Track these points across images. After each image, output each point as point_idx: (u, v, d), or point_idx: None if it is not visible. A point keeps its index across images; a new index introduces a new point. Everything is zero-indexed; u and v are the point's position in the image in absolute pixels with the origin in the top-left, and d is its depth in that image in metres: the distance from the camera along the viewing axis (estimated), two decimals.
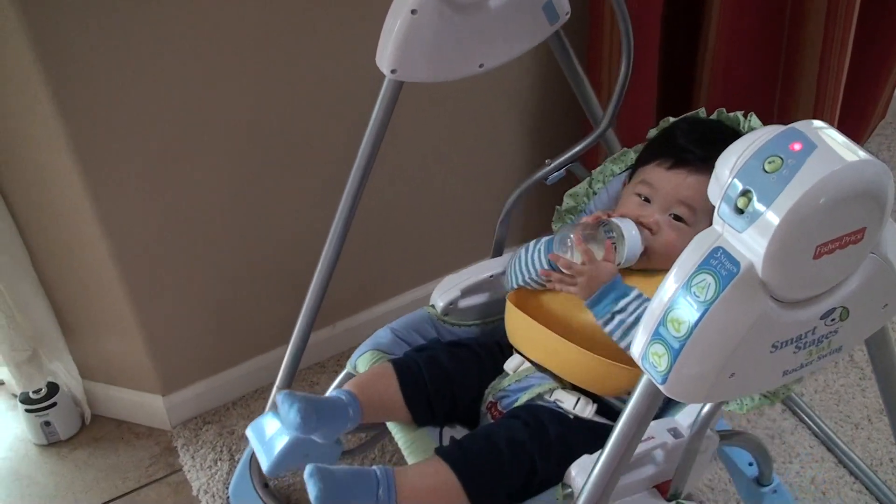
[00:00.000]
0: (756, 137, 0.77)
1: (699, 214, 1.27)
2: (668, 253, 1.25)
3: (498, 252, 1.52)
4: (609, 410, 1.24)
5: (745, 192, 0.74)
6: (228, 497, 1.63)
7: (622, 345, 1.15)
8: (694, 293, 0.77)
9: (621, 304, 1.15)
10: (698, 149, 1.28)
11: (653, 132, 1.40)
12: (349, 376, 1.39)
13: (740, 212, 0.74)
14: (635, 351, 0.83)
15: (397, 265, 1.87)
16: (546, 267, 1.28)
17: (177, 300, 1.63)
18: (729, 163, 0.78)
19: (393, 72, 1.20)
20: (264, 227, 1.66)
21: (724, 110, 1.33)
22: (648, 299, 1.16)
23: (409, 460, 1.24)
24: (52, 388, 1.71)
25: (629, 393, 1.21)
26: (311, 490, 1.05)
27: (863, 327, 0.84)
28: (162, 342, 1.66)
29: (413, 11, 1.15)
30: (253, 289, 1.71)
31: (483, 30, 1.22)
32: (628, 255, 1.22)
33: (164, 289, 1.60)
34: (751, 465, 1.47)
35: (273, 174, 1.60)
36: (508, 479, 1.13)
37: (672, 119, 1.37)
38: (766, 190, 0.72)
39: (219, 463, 1.70)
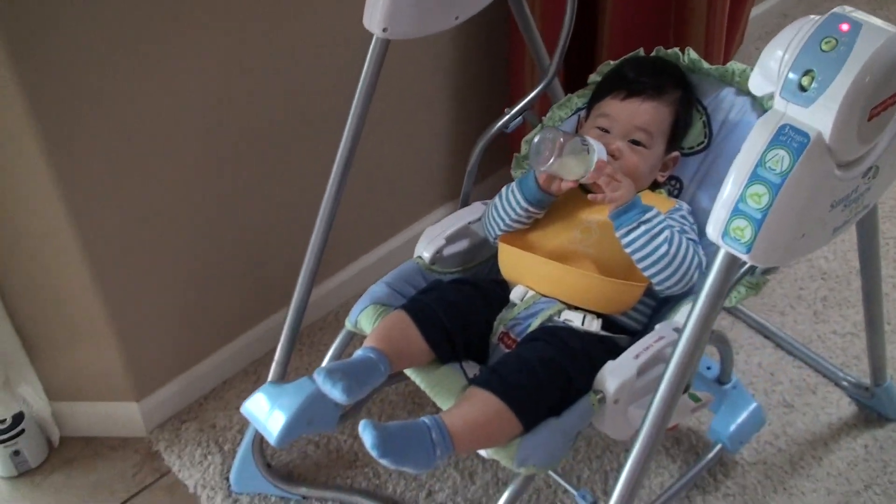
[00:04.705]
0: (797, 29, 0.90)
1: (655, 137, 1.40)
2: (633, 175, 1.37)
3: (465, 203, 1.59)
4: (611, 325, 1.35)
5: (807, 72, 0.87)
6: (230, 486, 1.62)
7: (638, 255, 1.26)
8: (769, 167, 0.89)
9: (648, 215, 1.26)
10: (649, 79, 1.42)
11: (594, 77, 1.52)
12: (350, 334, 1.42)
13: (803, 90, 0.87)
14: (711, 232, 0.94)
15: (349, 230, 1.88)
16: (524, 204, 1.37)
17: (149, 299, 1.59)
18: (776, 56, 0.91)
19: (384, 30, 1.25)
20: (230, 215, 1.65)
21: (662, 48, 1.48)
22: (664, 217, 1.29)
23: (438, 400, 1.29)
24: (18, 415, 1.62)
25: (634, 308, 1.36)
26: (367, 438, 1.08)
27: (883, 185, 1.00)
28: (135, 345, 1.61)
29: None
30: (218, 278, 1.70)
31: None
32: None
33: (135, 288, 1.56)
34: (709, 368, 1.63)
35: (237, 161, 1.60)
36: (548, 393, 1.21)
37: (612, 62, 1.50)
38: (827, 67, 0.86)
39: (209, 457, 1.68)
